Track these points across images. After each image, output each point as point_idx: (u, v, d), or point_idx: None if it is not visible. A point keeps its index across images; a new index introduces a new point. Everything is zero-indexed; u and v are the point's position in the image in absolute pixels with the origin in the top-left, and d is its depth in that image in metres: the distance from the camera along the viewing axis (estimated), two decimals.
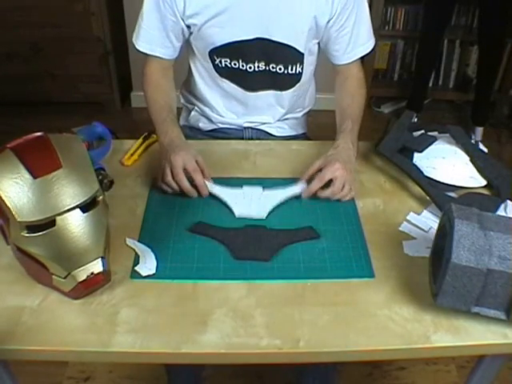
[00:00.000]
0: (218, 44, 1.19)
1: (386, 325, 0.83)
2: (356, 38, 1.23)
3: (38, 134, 0.86)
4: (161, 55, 1.23)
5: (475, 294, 0.79)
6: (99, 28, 2.66)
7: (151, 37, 1.21)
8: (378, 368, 1.68)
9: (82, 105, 2.88)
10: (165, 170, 1.05)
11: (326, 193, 1.05)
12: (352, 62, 1.27)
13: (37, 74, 2.77)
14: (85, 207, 0.83)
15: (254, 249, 0.95)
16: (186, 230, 1.00)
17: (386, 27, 2.95)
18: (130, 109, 3.01)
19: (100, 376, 1.62)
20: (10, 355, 0.81)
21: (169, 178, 1.04)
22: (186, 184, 1.04)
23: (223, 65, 1.24)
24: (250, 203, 1.05)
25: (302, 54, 1.23)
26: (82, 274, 0.81)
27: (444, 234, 0.84)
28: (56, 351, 0.79)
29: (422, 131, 1.22)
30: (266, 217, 1.03)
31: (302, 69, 1.26)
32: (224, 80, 1.28)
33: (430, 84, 3.01)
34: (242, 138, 1.40)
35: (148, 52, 1.23)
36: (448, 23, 2.70)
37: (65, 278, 0.81)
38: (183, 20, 1.17)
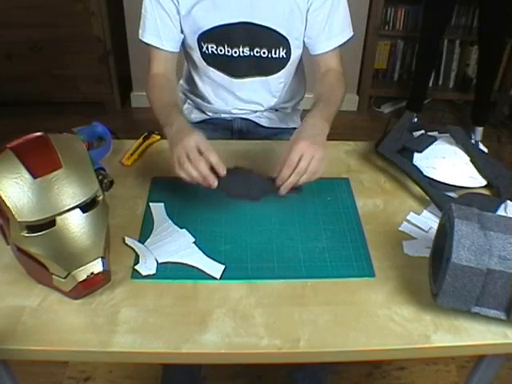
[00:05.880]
0: (205, 28, 1.22)
1: (386, 325, 0.83)
2: (330, 27, 1.24)
3: (38, 134, 0.87)
4: (168, 48, 1.25)
5: (475, 294, 0.79)
6: (99, 28, 2.66)
7: (158, 27, 1.22)
8: (378, 368, 1.68)
9: (82, 105, 2.88)
10: (180, 157, 0.95)
11: (294, 176, 0.95)
12: (328, 53, 1.27)
13: (37, 74, 2.77)
14: (85, 207, 0.83)
15: (245, 188, 0.99)
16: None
17: (386, 27, 2.94)
18: (130, 109, 3.01)
19: (100, 376, 1.62)
20: (10, 355, 0.81)
21: (186, 164, 0.95)
22: (204, 167, 0.95)
23: (210, 51, 1.26)
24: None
25: (286, 39, 1.24)
26: (82, 274, 0.81)
27: (444, 234, 0.84)
28: (56, 351, 0.79)
29: (422, 131, 1.22)
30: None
31: (287, 53, 1.27)
32: (211, 69, 1.30)
33: (430, 84, 3.00)
34: (232, 128, 1.42)
35: (156, 45, 1.24)
36: (448, 23, 2.70)
37: (65, 278, 0.81)
38: (178, 4, 1.20)
